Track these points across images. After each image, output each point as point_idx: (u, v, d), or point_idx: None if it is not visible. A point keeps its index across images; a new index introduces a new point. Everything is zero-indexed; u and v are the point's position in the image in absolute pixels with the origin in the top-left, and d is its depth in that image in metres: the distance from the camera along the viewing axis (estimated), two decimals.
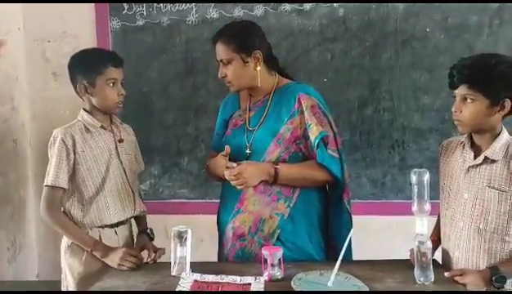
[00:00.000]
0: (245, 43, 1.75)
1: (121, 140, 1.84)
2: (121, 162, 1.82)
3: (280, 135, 1.75)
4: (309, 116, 1.74)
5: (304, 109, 1.74)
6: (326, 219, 1.83)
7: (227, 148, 1.76)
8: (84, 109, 1.80)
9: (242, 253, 1.77)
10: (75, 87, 1.78)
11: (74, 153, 1.72)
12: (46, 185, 1.72)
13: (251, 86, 1.80)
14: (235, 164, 1.69)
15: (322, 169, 1.74)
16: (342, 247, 1.52)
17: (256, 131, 1.78)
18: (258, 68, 1.77)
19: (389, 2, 2.45)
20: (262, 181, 1.72)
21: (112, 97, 1.75)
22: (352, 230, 1.56)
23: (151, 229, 1.91)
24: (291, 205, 1.75)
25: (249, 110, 1.84)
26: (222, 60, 1.76)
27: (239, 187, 1.70)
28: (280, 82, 1.84)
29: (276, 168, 1.71)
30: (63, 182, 1.71)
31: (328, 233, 1.82)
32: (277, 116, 1.77)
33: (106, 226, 1.77)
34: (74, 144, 1.73)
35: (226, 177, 1.69)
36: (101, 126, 1.79)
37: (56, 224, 1.75)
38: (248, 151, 1.77)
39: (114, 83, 1.75)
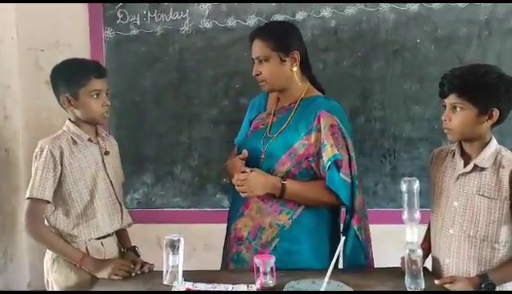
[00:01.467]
0: (284, 42, 1.74)
1: (107, 153, 1.81)
2: (107, 175, 1.80)
3: (294, 150, 1.73)
4: (326, 135, 1.70)
5: (322, 127, 1.70)
6: (338, 237, 1.78)
7: (245, 152, 1.76)
8: (70, 120, 1.77)
9: (237, 257, 1.77)
10: (58, 100, 1.75)
11: (61, 165, 1.69)
12: (30, 198, 1.66)
13: (283, 88, 1.79)
14: (248, 170, 1.68)
15: (330, 192, 1.70)
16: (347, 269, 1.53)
17: (273, 139, 1.76)
18: (295, 68, 1.76)
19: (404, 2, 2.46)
20: (267, 193, 1.70)
21: (96, 109, 1.72)
22: (343, 238, 1.57)
23: (137, 247, 1.89)
24: (294, 217, 1.73)
25: (273, 115, 1.83)
26: (258, 57, 1.75)
27: (242, 194, 1.69)
28: (308, 91, 1.81)
29: (283, 184, 1.69)
30: (48, 195, 1.67)
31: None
32: (295, 129, 1.75)
33: (93, 239, 1.74)
34: (62, 156, 1.69)
35: (233, 181, 1.69)
36: (88, 139, 1.76)
37: (41, 239, 1.71)
38: (263, 157, 1.76)
39: (98, 95, 1.71)
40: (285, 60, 1.75)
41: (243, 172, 1.68)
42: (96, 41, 2.60)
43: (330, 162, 1.69)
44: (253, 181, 1.67)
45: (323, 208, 1.77)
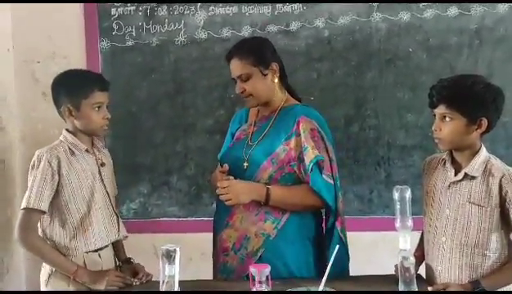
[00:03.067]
0: (263, 56, 1.78)
1: (103, 164, 1.81)
2: (104, 186, 1.79)
3: (275, 155, 1.75)
4: (306, 139, 1.73)
5: (302, 131, 1.74)
6: (321, 243, 1.80)
7: (226, 166, 1.77)
8: (67, 130, 1.76)
9: (224, 268, 1.78)
10: (58, 109, 1.74)
11: (59, 176, 1.67)
12: (25, 208, 1.64)
13: (267, 100, 1.82)
14: (231, 177, 1.70)
15: (314, 194, 1.72)
16: (334, 273, 1.54)
17: (254, 146, 1.79)
18: (276, 80, 1.79)
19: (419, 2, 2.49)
20: (253, 201, 1.71)
21: (97, 121, 1.72)
22: (337, 247, 1.58)
23: (132, 259, 1.88)
24: (279, 227, 1.74)
25: (254, 125, 1.86)
26: (240, 76, 1.77)
27: (227, 203, 1.70)
28: (287, 100, 1.85)
29: (267, 188, 1.70)
30: (44, 205, 1.64)
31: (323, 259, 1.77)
32: (275, 135, 1.78)
33: (90, 251, 1.73)
34: (59, 166, 1.67)
35: (217, 191, 1.70)
36: (86, 150, 1.76)
37: (34, 249, 1.69)
38: (245, 164, 1.77)
39: (99, 107, 1.71)
40: (266, 74, 1.78)
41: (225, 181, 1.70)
42: (92, 52, 2.62)
43: (312, 164, 1.72)
44: (237, 188, 1.68)
45: (307, 215, 1.79)
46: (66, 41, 2.63)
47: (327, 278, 1.51)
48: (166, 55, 2.61)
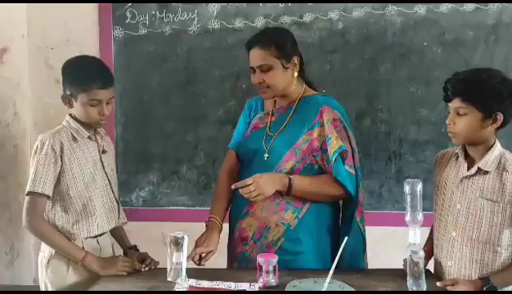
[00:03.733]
0: (286, 49, 1.74)
1: (104, 151, 1.80)
2: (106, 173, 1.79)
3: (297, 145, 1.74)
4: (329, 129, 1.72)
5: (325, 122, 1.73)
6: (338, 235, 1.80)
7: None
8: (71, 115, 1.75)
9: (243, 257, 1.78)
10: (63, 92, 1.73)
11: (62, 161, 1.67)
12: (30, 192, 1.63)
13: (284, 93, 1.79)
14: (250, 180, 1.66)
15: (336, 184, 1.72)
16: (350, 264, 1.56)
17: (275, 137, 1.78)
18: (295, 74, 1.77)
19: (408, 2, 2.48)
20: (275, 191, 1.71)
21: (92, 115, 1.69)
22: (346, 238, 1.57)
23: (138, 246, 1.88)
24: (299, 216, 1.74)
25: (272, 115, 1.84)
26: (261, 66, 1.73)
27: (254, 199, 1.67)
28: (305, 91, 1.83)
29: (290, 178, 1.69)
30: (48, 189, 1.64)
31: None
32: (297, 126, 1.77)
33: (90, 237, 1.73)
34: (62, 151, 1.67)
35: (243, 194, 1.67)
36: (88, 137, 1.75)
37: (42, 236, 1.68)
38: (266, 155, 1.76)
39: (97, 103, 1.67)
40: (288, 67, 1.75)
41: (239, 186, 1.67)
42: (105, 40, 2.63)
43: (335, 155, 1.71)
44: (261, 182, 1.66)
45: (326, 206, 1.79)
46: (80, 28, 2.64)
47: (336, 270, 1.51)
48: (179, 45, 2.61)
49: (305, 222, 1.74)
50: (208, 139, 2.62)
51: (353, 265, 1.75)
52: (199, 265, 1.72)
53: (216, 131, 2.61)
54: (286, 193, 1.71)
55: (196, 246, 1.74)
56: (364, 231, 1.79)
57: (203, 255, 1.73)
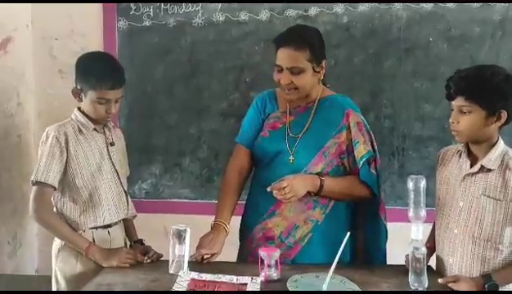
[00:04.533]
0: (319, 52, 1.70)
1: (112, 144, 1.82)
2: (113, 164, 1.81)
3: (326, 149, 1.74)
4: (356, 133, 1.74)
5: (352, 125, 1.74)
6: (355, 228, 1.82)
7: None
8: (79, 109, 1.77)
9: None
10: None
11: (67, 152, 1.70)
12: (36, 182, 1.66)
13: (307, 95, 1.77)
14: (285, 182, 1.64)
15: (363, 186, 1.75)
16: (377, 259, 1.65)
17: (300, 139, 1.75)
18: (322, 77, 1.76)
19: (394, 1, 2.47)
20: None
21: (99, 112, 1.71)
22: (348, 233, 1.57)
23: (143, 240, 1.89)
24: (327, 212, 1.76)
25: (289, 114, 1.80)
26: (292, 69, 1.67)
27: (287, 200, 1.66)
28: (323, 91, 1.81)
29: (321, 180, 1.70)
30: (54, 180, 1.67)
31: (364, 245, 1.83)
32: (324, 128, 1.75)
33: (99, 227, 1.75)
34: (67, 143, 1.70)
35: (276, 196, 1.64)
36: (94, 129, 1.77)
37: (48, 225, 1.71)
38: (291, 158, 1.74)
39: (106, 101, 1.70)
40: (318, 71, 1.72)
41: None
42: (109, 31, 2.63)
43: (363, 159, 1.74)
44: (294, 184, 1.65)
45: (348, 202, 1.81)
46: (84, 19, 2.63)
47: (339, 266, 1.51)
48: (183, 37, 2.60)
49: (332, 215, 1.77)
50: (212, 132, 2.62)
51: (377, 260, 1.81)
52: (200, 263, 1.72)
53: (219, 124, 2.61)
54: (316, 193, 1.72)
55: (200, 246, 1.71)
56: (386, 228, 1.83)
57: (206, 256, 1.72)
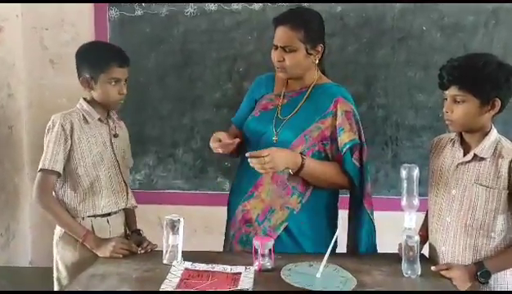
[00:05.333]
0: (314, 34, 1.72)
1: (116, 135, 1.85)
2: (115, 155, 1.83)
3: (309, 132, 1.74)
4: (342, 120, 1.73)
5: (339, 113, 1.73)
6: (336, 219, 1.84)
7: (236, 141, 1.76)
8: (85, 99, 1.81)
9: (246, 238, 1.77)
10: (79, 78, 1.78)
11: (71, 140, 1.73)
12: (42, 169, 1.71)
13: (298, 76, 1.78)
14: (266, 152, 1.63)
15: (344, 174, 1.74)
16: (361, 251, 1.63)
17: (286, 121, 1.77)
18: (317, 61, 1.76)
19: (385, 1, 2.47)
20: (280, 175, 1.71)
21: (113, 95, 1.76)
22: (339, 224, 1.58)
23: (141, 230, 1.90)
24: (303, 201, 1.75)
25: (283, 97, 1.82)
26: (284, 47, 1.70)
27: (265, 171, 1.64)
28: (320, 78, 1.81)
29: (303, 158, 1.69)
30: (59, 167, 1.71)
31: (349, 237, 1.83)
32: (310, 113, 1.76)
33: (98, 215, 1.78)
34: (72, 131, 1.73)
35: (254, 165, 1.63)
36: (99, 119, 1.80)
37: (49, 210, 1.75)
38: (275, 138, 1.76)
39: (116, 82, 1.75)
40: (311, 53, 1.73)
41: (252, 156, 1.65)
42: (100, 20, 2.60)
43: (347, 146, 1.72)
44: (276, 156, 1.63)
45: (327, 193, 1.80)
46: (75, 9, 2.60)
47: (332, 254, 1.52)
48: (175, 26, 2.58)
49: (308, 207, 1.76)
50: (205, 122, 2.61)
51: (369, 250, 1.80)
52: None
53: (212, 114, 2.60)
54: (295, 173, 1.70)
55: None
56: (374, 221, 1.81)
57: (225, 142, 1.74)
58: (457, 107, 1.52)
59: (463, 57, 1.56)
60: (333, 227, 1.78)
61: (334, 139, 1.74)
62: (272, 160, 1.62)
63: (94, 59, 1.76)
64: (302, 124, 1.75)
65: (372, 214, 1.81)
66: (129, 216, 1.91)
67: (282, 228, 1.74)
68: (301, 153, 1.71)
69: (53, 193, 1.76)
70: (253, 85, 1.95)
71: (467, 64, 1.52)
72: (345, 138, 1.73)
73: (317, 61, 1.76)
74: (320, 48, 1.75)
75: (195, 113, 2.62)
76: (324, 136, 1.75)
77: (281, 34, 1.71)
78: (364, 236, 1.78)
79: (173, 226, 1.62)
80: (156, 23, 2.58)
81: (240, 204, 1.80)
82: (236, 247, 1.82)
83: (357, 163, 1.76)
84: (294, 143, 1.74)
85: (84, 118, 1.78)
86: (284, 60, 1.72)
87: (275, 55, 1.74)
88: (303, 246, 1.75)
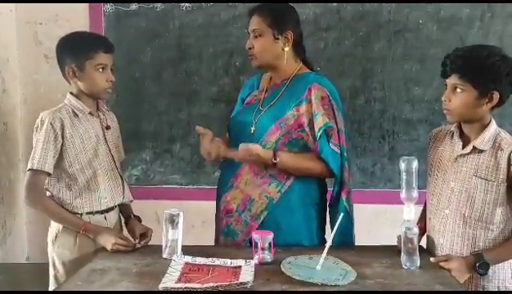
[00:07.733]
0: (280, 20, 1.77)
1: (108, 127, 1.82)
2: (109, 149, 1.81)
3: (283, 120, 1.76)
4: (317, 106, 1.74)
5: (313, 98, 1.74)
6: (325, 211, 1.84)
7: (199, 129, 1.84)
8: (71, 93, 1.76)
9: (228, 230, 1.80)
10: (63, 70, 1.74)
11: (62, 138, 1.69)
12: (30, 169, 1.66)
13: (274, 66, 1.82)
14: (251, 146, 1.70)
15: (320, 162, 1.74)
16: (339, 243, 1.59)
17: (264, 112, 1.80)
18: (286, 48, 1.78)
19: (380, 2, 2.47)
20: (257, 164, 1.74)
21: (100, 83, 1.72)
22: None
23: (138, 216, 1.90)
24: (282, 190, 1.75)
25: (265, 92, 1.86)
26: (254, 31, 1.78)
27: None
28: (301, 69, 1.85)
29: (275, 156, 1.71)
30: (49, 167, 1.66)
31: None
32: (286, 101, 1.78)
33: (96, 212, 1.75)
34: (63, 129, 1.69)
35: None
36: (89, 113, 1.76)
37: (43, 210, 1.72)
38: (252, 128, 1.79)
39: (103, 69, 1.71)
40: (278, 38, 1.77)
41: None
42: (95, 15, 2.57)
43: (321, 131, 1.73)
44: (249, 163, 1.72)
45: (311, 183, 1.80)
46: (69, 3, 2.57)
47: (331, 247, 1.52)
48: (171, 21, 2.56)
49: (288, 197, 1.76)
50: (201, 117, 2.60)
51: (341, 242, 1.72)
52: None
53: (209, 108, 2.59)
54: (273, 163, 1.71)
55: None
56: (351, 210, 1.79)
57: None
58: (455, 96, 1.53)
59: (469, 47, 1.57)
60: (321, 220, 1.81)
61: (312, 127, 1.75)
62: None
63: (78, 47, 1.71)
64: (278, 113, 1.78)
65: (348, 203, 1.77)
66: (125, 209, 1.89)
67: (262, 217, 1.75)
68: (272, 144, 1.74)
69: (46, 191, 1.72)
70: (243, 87, 2.01)
71: (471, 54, 1.52)
72: (320, 122, 1.73)
73: (287, 48, 1.78)
74: (289, 35, 1.78)
75: (191, 108, 2.61)
76: (300, 123, 1.75)
77: (252, 20, 1.80)
78: (333, 224, 1.72)
79: (173, 220, 1.62)
80: (152, 17, 2.57)
81: (222, 196, 1.83)
82: (220, 240, 1.84)
83: (336, 149, 1.74)
84: (269, 131, 1.76)
85: (74, 112, 1.73)
86: (253, 46, 1.78)
87: (247, 43, 1.81)
88: (282, 237, 1.70)
